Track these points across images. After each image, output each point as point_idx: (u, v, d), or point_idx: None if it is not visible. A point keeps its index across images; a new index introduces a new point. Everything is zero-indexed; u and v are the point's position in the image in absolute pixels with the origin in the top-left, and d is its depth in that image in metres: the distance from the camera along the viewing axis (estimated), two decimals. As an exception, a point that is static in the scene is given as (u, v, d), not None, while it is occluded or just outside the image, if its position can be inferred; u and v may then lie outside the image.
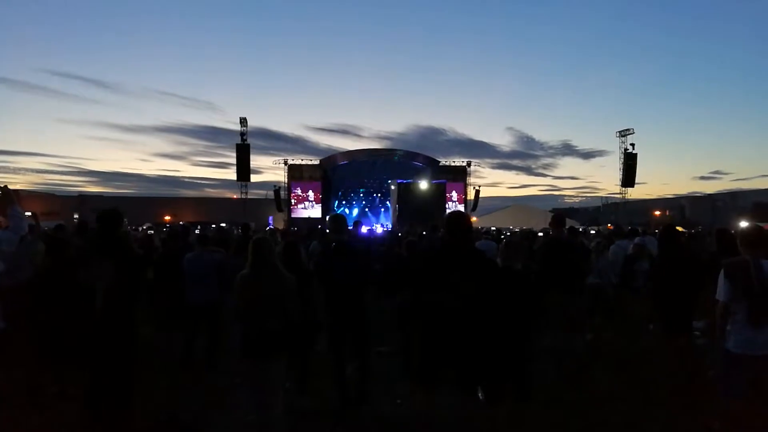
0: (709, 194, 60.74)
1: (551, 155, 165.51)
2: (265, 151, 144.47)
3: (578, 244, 7.12)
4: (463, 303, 3.38)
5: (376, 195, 43.57)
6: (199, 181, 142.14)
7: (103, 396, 4.00)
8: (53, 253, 5.00)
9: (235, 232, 13.35)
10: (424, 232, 13.57)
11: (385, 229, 26.72)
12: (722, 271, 3.58)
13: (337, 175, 42.25)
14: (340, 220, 5.25)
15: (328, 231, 6.29)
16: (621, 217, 39.72)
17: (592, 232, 21.82)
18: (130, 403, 4.13)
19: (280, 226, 32.46)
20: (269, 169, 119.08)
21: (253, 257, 4.06)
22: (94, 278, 4.04)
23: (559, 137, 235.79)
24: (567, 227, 7.95)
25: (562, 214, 7.60)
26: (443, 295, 3.43)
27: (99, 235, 4.36)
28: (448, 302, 3.41)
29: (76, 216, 42.44)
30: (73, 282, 4.50)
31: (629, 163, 37.08)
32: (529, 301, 4.11)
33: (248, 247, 4.11)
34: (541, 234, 12.77)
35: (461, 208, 40.24)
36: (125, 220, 6.09)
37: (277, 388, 4.00)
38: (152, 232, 15.16)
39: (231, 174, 39.74)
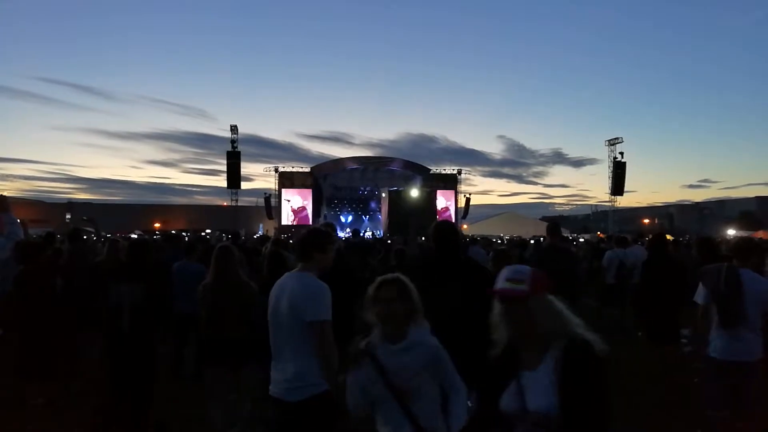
0: (697, 202, 61.47)
1: (542, 163, 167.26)
2: (255, 158, 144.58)
3: (569, 252, 7.18)
4: (450, 312, 3.40)
5: (367, 202, 43.59)
6: (189, 189, 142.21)
7: (124, 409, 3.99)
8: (27, 259, 4.88)
9: (225, 239, 13.30)
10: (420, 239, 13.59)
11: (377, 236, 26.71)
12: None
13: (328, 182, 42.23)
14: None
15: None
16: (610, 225, 40.01)
17: (581, 240, 21.97)
18: (148, 418, 4.15)
19: (271, 233, 32.35)
20: (260, 177, 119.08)
21: (215, 266, 4.05)
22: (122, 298, 4.06)
23: (549, 146, 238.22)
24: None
25: (558, 222, 7.44)
26: (430, 305, 3.45)
27: (130, 262, 4.36)
28: (435, 312, 3.44)
29: (68, 216, 42.05)
30: (48, 288, 4.47)
31: (618, 172, 37.40)
32: None
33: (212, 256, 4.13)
34: (532, 242, 12.84)
35: (452, 215, 40.35)
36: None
37: (245, 395, 4.00)
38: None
39: (221, 181, 39.61)
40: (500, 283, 1.78)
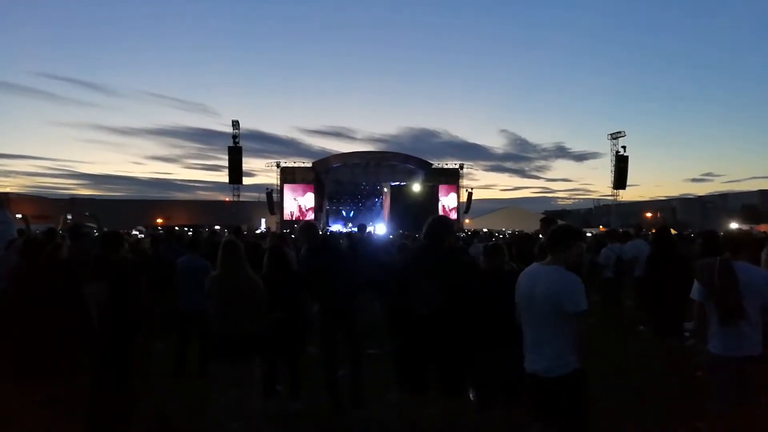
0: (700, 196, 61.16)
1: (544, 157, 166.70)
2: (257, 153, 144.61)
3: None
4: (435, 307, 3.39)
5: (369, 197, 43.54)
6: (191, 184, 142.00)
7: (104, 409, 3.98)
8: (27, 255, 4.87)
9: (226, 234, 13.32)
10: (417, 235, 13.57)
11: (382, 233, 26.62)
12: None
13: (330, 177, 42.19)
14: (309, 229, 5.17)
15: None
16: (613, 219, 39.94)
17: (589, 234, 21.84)
18: (131, 416, 4.13)
19: (273, 229, 32.37)
20: (262, 172, 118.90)
21: (222, 259, 4.06)
22: (89, 297, 4.04)
23: (552, 139, 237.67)
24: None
25: (553, 216, 7.35)
26: (416, 300, 3.47)
27: (99, 256, 4.32)
28: (421, 306, 3.45)
29: (69, 216, 42.03)
30: (47, 285, 4.44)
31: (621, 166, 37.33)
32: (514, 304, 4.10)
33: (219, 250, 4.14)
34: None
35: (454, 210, 40.28)
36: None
37: (251, 391, 3.99)
38: (142, 236, 15.25)
39: (223, 177, 39.71)
40: None
